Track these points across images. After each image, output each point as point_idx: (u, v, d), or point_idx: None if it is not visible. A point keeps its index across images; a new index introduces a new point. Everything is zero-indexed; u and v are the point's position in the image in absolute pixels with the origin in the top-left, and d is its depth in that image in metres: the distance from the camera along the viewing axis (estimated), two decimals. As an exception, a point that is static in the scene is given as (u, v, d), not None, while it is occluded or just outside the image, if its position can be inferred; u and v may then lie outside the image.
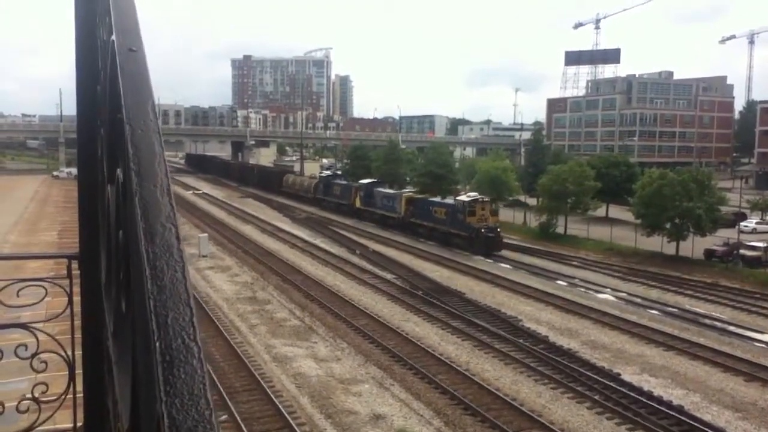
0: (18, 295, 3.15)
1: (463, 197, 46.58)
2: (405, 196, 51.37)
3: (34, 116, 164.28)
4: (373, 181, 60.54)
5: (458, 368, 21.81)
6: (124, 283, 1.23)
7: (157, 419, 0.76)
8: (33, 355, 3.05)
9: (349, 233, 50.04)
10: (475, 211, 43.54)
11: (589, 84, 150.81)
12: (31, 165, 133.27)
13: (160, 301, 0.80)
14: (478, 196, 46.02)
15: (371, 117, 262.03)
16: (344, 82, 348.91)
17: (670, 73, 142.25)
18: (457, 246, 43.93)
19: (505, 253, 42.90)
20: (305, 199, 68.63)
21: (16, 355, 3.04)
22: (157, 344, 0.79)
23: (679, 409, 18.87)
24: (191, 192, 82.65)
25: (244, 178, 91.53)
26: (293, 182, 75.34)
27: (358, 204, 57.40)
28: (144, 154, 0.95)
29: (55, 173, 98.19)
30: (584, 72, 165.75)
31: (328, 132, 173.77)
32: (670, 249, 41.74)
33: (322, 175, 75.31)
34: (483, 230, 42.47)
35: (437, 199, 49.74)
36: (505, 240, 44.97)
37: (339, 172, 79.08)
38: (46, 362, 3.13)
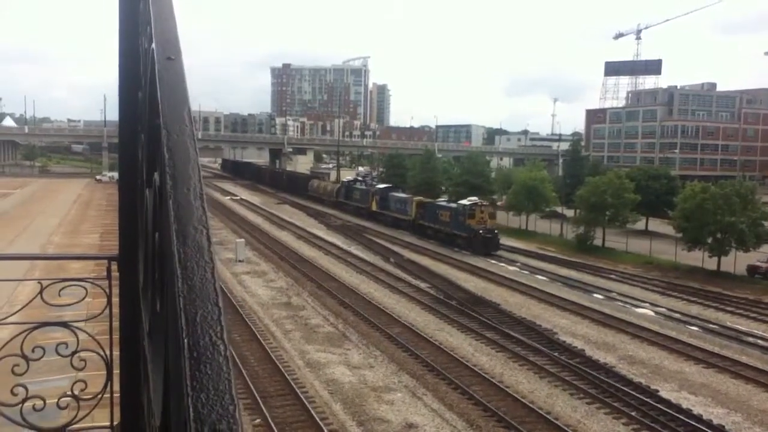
0: (59, 295, 3.25)
1: (464, 201, 49.93)
2: (415, 200, 55.25)
3: (79, 121, 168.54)
4: (388, 186, 65.33)
5: (492, 380, 21.62)
6: (159, 283, 1.26)
7: (184, 413, 0.79)
8: (73, 353, 3.14)
9: (382, 240, 50.11)
10: (475, 214, 47.10)
11: (629, 95, 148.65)
12: (75, 169, 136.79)
13: (189, 299, 0.83)
14: (478, 201, 49.56)
15: (408, 126, 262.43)
16: (381, 90, 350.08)
17: (713, 85, 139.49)
18: (459, 246, 47.33)
19: (533, 262, 42.46)
20: (328, 203, 72.60)
21: (57, 353, 3.14)
22: (185, 341, 0.81)
23: (720, 429, 18.41)
24: (229, 198, 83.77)
25: (275, 182, 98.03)
26: (318, 187, 79.48)
27: (374, 207, 61.28)
28: (179, 158, 0.99)
29: (98, 177, 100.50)
30: (624, 83, 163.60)
31: (364, 140, 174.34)
32: (711, 264, 40.82)
33: (343, 180, 79.40)
34: (481, 231, 46.11)
35: (443, 203, 53.44)
36: (540, 252, 45.67)
37: (375, 180, 79.87)
38: (85, 360, 3.21)
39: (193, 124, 1.09)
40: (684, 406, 19.92)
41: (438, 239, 49.64)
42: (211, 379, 0.81)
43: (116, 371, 3.00)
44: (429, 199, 57.04)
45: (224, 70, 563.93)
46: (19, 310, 3.20)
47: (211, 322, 0.84)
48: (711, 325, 29.59)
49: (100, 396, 3.09)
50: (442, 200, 55.51)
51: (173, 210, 0.92)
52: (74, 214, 58.43)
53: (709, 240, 40.65)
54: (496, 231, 47.50)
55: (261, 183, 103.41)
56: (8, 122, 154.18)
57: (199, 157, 1.07)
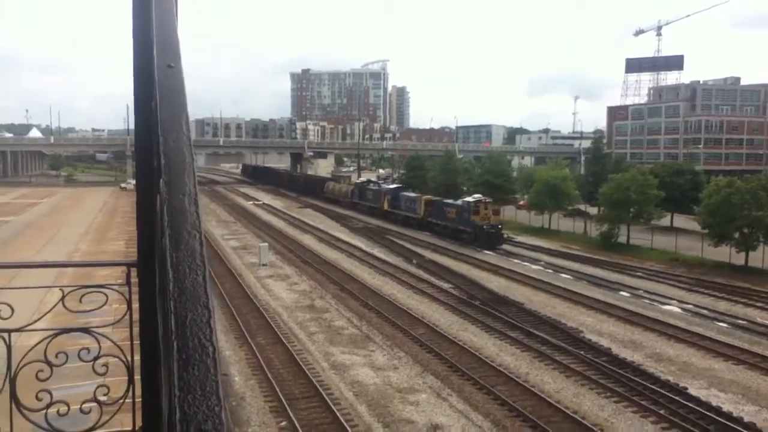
0: (81, 301, 3.31)
1: (468, 198, 52.65)
2: (424, 199, 57.70)
3: (103, 131, 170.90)
4: (399, 187, 69.54)
5: (517, 379, 21.50)
6: (163, 289, 1.28)
7: (173, 414, 0.81)
8: (95, 359, 3.20)
9: (405, 242, 50.10)
10: (479, 210, 49.16)
11: (651, 91, 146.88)
12: (100, 177, 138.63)
13: (180, 302, 0.84)
14: (482, 198, 51.97)
15: (428, 127, 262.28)
16: (401, 93, 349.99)
17: (737, 79, 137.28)
18: (464, 241, 49.16)
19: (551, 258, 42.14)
20: (344, 204, 74.90)
21: (80, 358, 3.19)
22: (175, 343, 0.83)
23: (752, 427, 18.11)
24: (251, 202, 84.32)
25: (293, 185, 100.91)
26: (333, 188, 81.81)
27: (386, 207, 63.82)
28: (174, 164, 1.00)
29: (122, 185, 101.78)
30: (646, 79, 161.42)
31: (384, 143, 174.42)
32: (738, 259, 40.19)
33: (357, 182, 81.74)
34: (485, 227, 48.14)
35: (450, 201, 55.35)
36: (564, 250, 46.05)
37: (396, 183, 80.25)
38: (107, 366, 3.27)
39: (190, 131, 1.10)
40: (714, 403, 19.64)
41: (445, 235, 51.89)
42: (199, 380, 0.83)
43: (138, 376, 3.05)
44: (437, 197, 59.40)
45: (245, 76, 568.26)
46: (42, 317, 3.26)
47: (201, 324, 0.86)
48: (740, 321, 29.14)
49: (122, 401, 3.14)
50: (448, 199, 57.23)
51: (167, 215, 0.94)
52: (100, 222, 59.25)
53: (736, 235, 40.06)
54: (500, 226, 49.48)
55: (280, 186, 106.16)
56: (35, 133, 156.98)
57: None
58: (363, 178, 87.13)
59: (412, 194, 62.38)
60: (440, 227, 53.27)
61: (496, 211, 50.66)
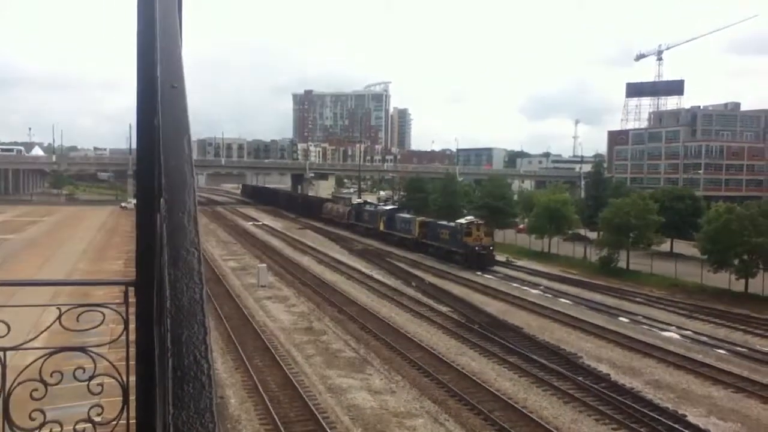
0: (78, 320, 3.29)
1: (461, 221, 53.49)
2: (419, 220, 59.13)
3: (105, 149, 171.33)
4: (394, 208, 71.40)
5: (515, 405, 21.33)
6: (161, 306, 1.28)
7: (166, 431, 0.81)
8: (90, 378, 3.17)
9: (405, 265, 50.02)
10: (471, 232, 50.12)
11: (652, 116, 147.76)
12: (101, 196, 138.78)
13: (176, 319, 0.84)
14: (474, 220, 53.17)
15: (429, 149, 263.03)
16: (402, 115, 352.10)
17: (737, 105, 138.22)
18: (456, 262, 50.10)
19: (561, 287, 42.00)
20: (341, 225, 75.84)
21: (75, 378, 3.17)
22: (170, 360, 0.83)
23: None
24: (251, 223, 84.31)
25: (291, 206, 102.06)
26: (331, 209, 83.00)
27: (381, 227, 65.03)
28: (175, 183, 1.01)
29: (123, 204, 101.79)
30: (646, 104, 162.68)
31: (385, 164, 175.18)
32: (738, 286, 40.09)
33: (354, 203, 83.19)
34: (476, 248, 49.21)
35: (443, 222, 56.11)
36: (563, 275, 46.22)
37: (396, 205, 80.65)
38: (102, 385, 3.24)
39: (191, 151, 1.11)
40: (713, 432, 19.48)
41: (439, 256, 52.86)
42: (193, 397, 0.83)
43: (133, 396, 3.03)
44: (431, 219, 60.53)
45: (247, 96, 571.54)
46: (38, 335, 3.24)
47: (197, 342, 0.86)
48: (739, 348, 28.99)
49: (116, 421, 3.11)
50: (442, 220, 58.05)
51: (167, 233, 0.94)
52: (99, 241, 59.19)
53: (736, 261, 39.99)
54: (491, 248, 50.63)
55: (278, 206, 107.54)
56: (37, 151, 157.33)
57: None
58: (360, 200, 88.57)
59: (407, 215, 63.81)
60: (434, 248, 54.33)
61: (488, 233, 51.39)
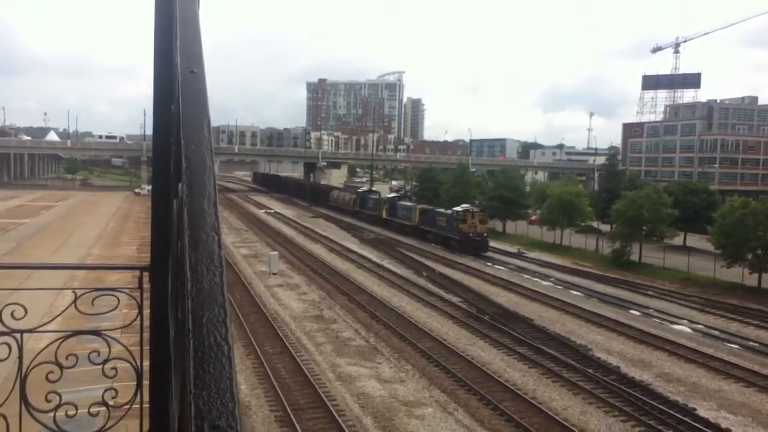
0: (93, 304, 3.32)
1: (458, 208, 54.89)
2: (418, 208, 61.37)
3: (116, 137, 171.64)
4: (396, 196, 74.36)
5: (524, 396, 21.35)
6: (179, 289, 1.30)
7: (187, 410, 0.82)
8: (105, 362, 3.21)
9: (415, 254, 50.07)
10: (466, 219, 52.03)
11: (668, 109, 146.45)
12: (115, 182, 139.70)
13: (197, 302, 0.86)
14: (470, 207, 54.77)
15: (442, 140, 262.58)
16: (416, 105, 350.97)
17: (755, 99, 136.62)
18: (453, 248, 52.07)
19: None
20: (346, 212, 78.46)
21: (90, 361, 3.21)
22: (191, 341, 0.84)
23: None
24: (263, 211, 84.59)
25: (300, 193, 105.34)
26: (337, 197, 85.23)
27: (384, 215, 67.09)
28: (195, 167, 1.02)
29: (137, 190, 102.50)
30: (662, 96, 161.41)
31: (398, 154, 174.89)
32: (752, 281, 39.83)
33: (359, 191, 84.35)
34: (471, 234, 51.20)
35: (441, 210, 58.08)
36: (575, 267, 46.64)
37: (408, 194, 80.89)
38: (116, 369, 3.28)
39: (211, 136, 1.12)
40: (723, 425, 19.42)
41: (436, 242, 55.24)
42: (214, 378, 0.84)
43: (146, 381, 3.05)
44: (430, 206, 62.51)
45: (262, 84, 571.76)
46: (53, 319, 3.27)
47: (217, 324, 0.87)
48: (751, 343, 28.83)
49: (129, 405, 3.14)
50: (440, 208, 59.78)
51: (187, 216, 0.95)
52: (113, 227, 59.63)
53: (750, 256, 39.72)
54: (485, 234, 52.79)
55: (288, 193, 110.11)
56: (52, 136, 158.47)
57: (216, 167, 1.10)
58: (365, 188, 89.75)
59: (408, 203, 67.02)
60: (432, 234, 56.63)
61: (482, 220, 53.25)
